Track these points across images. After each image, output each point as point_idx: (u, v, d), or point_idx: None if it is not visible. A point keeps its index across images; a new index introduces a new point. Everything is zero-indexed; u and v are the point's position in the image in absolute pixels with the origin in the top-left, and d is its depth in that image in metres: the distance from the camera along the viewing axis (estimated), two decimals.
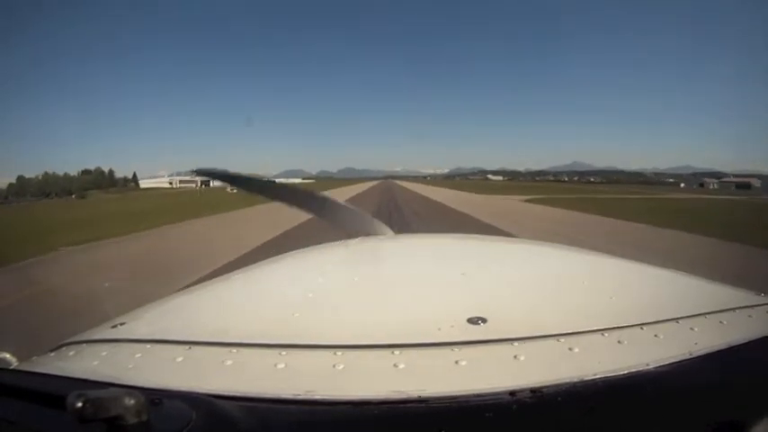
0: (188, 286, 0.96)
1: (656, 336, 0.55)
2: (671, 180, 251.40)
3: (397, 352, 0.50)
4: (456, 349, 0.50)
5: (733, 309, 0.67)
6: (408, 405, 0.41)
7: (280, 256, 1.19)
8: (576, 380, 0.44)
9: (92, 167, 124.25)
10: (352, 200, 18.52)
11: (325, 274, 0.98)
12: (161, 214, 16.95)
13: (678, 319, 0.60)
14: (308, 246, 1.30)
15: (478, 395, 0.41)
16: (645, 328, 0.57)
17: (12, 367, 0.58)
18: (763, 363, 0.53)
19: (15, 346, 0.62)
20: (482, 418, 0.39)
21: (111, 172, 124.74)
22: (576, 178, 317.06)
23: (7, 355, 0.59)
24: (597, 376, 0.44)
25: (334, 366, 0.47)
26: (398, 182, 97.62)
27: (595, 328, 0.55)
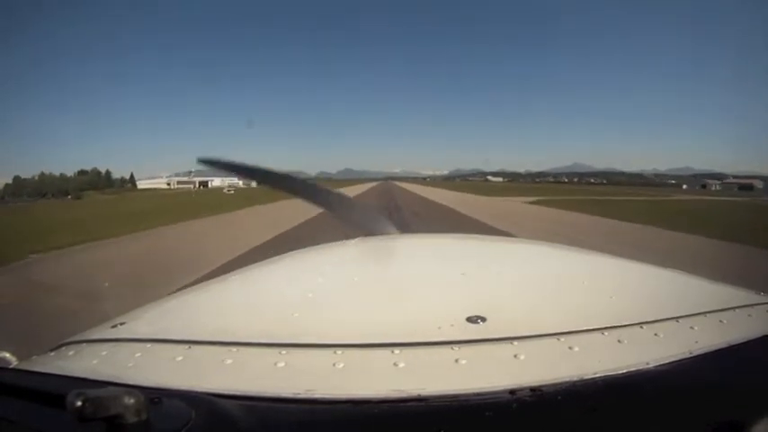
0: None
1: (656, 335, 0.55)
2: (672, 181, 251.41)
3: (396, 351, 0.50)
4: (456, 348, 0.50)
5: (733, 308, 0.66)
6: (408, 404, 0.41)
7: (279, 255, 1.19)
8: (575, 379, 0.44)
9: (90, 168, 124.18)
10: None
11: (325, 273, 0.98)
12: (147, 217, 16.04)
13: (678, 318, 0.60)
14: (306, 246, 1.32)
15: (478, 394, 0.41)
16: (645, 327, 0.57)
17: (11, 366, 0.58)
18: (763, 362, 0.53)
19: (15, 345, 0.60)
20: (482, 416, 0.39)
21: (107, 172, 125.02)
22: (576, 180, 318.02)
23: (7, 355, 0.59)
24: (597, 375, 0.44)
25: (334, 365, 0.47)
26: (398, 183, 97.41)
27: (595, 327, 0.55)
